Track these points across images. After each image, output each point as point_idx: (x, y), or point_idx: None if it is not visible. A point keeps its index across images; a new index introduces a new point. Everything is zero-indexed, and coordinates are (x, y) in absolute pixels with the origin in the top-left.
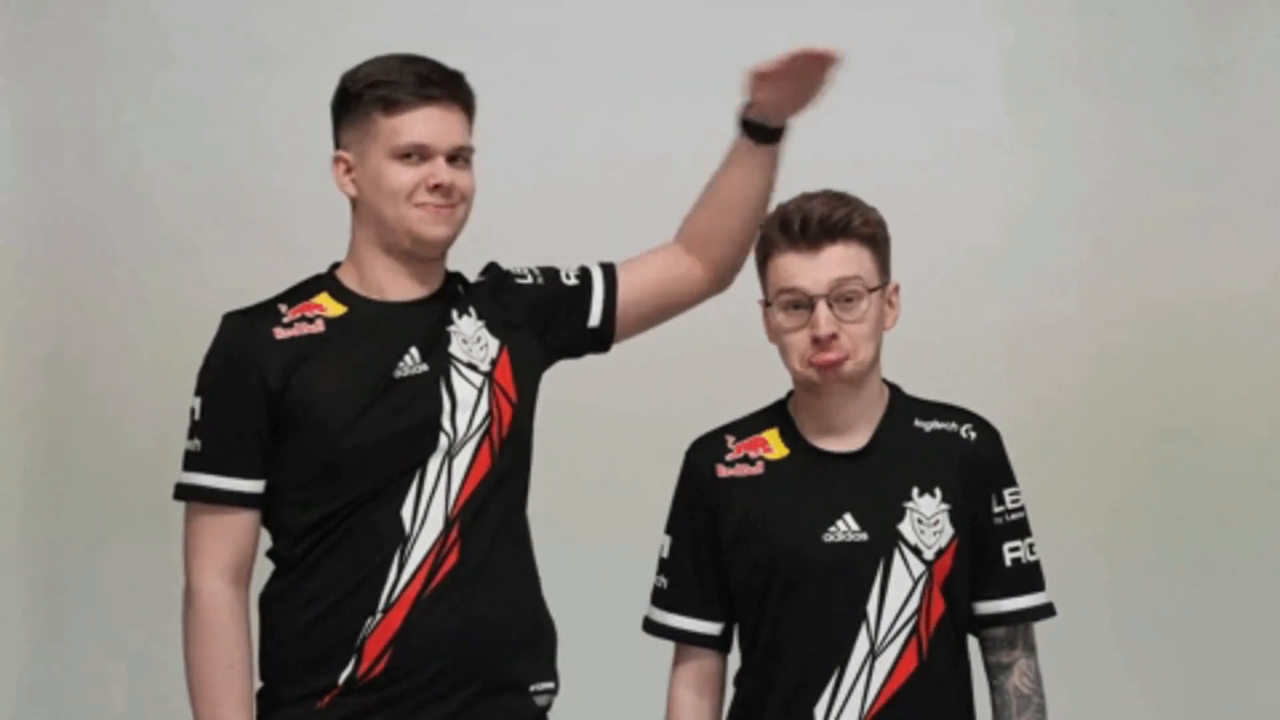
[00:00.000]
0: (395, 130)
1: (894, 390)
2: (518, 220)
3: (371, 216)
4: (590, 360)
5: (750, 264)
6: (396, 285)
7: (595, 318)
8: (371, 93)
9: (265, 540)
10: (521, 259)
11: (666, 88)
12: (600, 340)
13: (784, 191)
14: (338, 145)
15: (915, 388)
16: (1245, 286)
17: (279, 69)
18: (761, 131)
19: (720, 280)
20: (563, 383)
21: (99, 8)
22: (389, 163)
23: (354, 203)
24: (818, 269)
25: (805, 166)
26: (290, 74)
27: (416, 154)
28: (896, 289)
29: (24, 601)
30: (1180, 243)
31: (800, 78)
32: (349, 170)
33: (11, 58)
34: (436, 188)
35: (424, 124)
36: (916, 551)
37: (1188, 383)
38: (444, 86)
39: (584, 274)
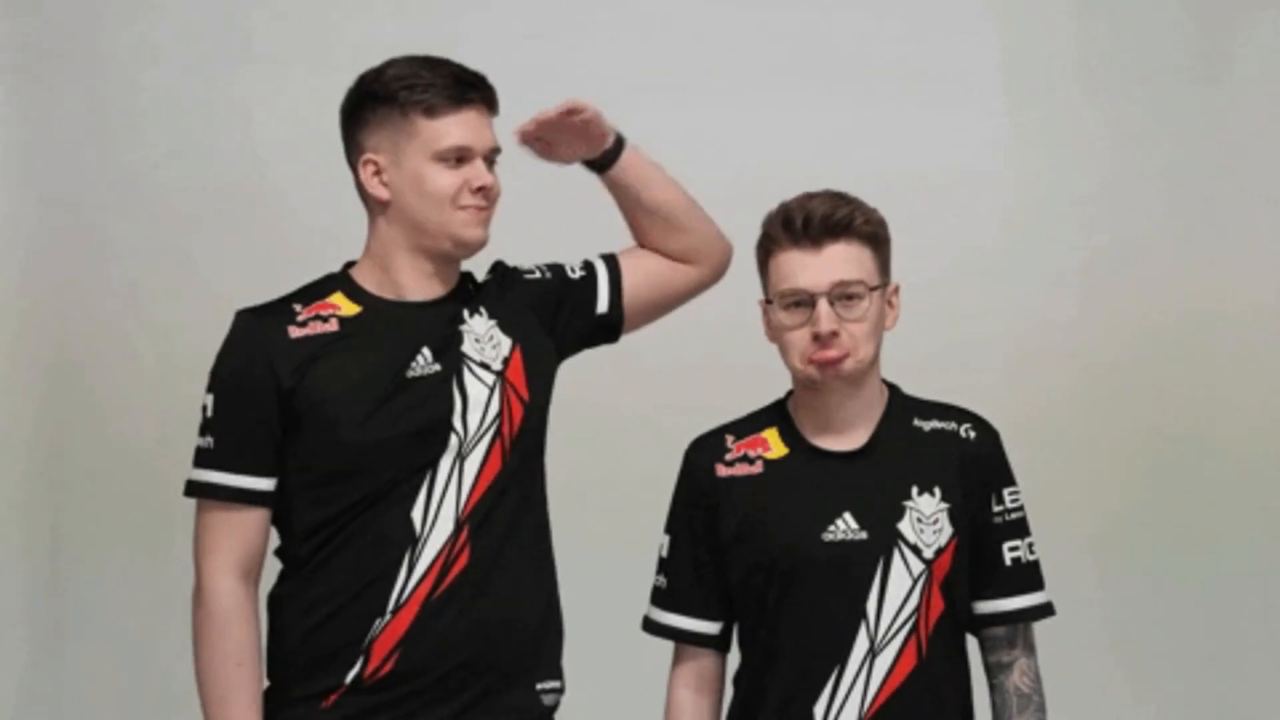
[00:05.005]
0: (438, 134)
1: (893, 390)
2: (518, 220)
3: (406, 218)
4: (591, 360)
5: (748, 267)
6: (420, 286)
7: (604, 303)
8: (408, 95)
9: (274, 539)
10: (523, 258)
11: (670, 89)
12: (610, 327)
13: (785, 193)
14: (360, 148)
15: (914, 390)
16: (1245, 290)
17: (276, 70)
18: (592, 165)
19: (708, 263)
20: (564, 382)
21: (96, 8)
22: (431, 165)
23: (380, 204)
24: (819, 267)
25: (805, 167)
26: (287, 75)
27: (457, 157)
28: (897, 289)
29: (24, 601)
30: (1180, 245)
31: (560, 129)
32: (379, 173)
33: (8, 58)
34: (480, 190)
35: (466, 127)
36: (916, 550)
37: (1186, 387)
38: (479, 89)
39: (587, 265)
